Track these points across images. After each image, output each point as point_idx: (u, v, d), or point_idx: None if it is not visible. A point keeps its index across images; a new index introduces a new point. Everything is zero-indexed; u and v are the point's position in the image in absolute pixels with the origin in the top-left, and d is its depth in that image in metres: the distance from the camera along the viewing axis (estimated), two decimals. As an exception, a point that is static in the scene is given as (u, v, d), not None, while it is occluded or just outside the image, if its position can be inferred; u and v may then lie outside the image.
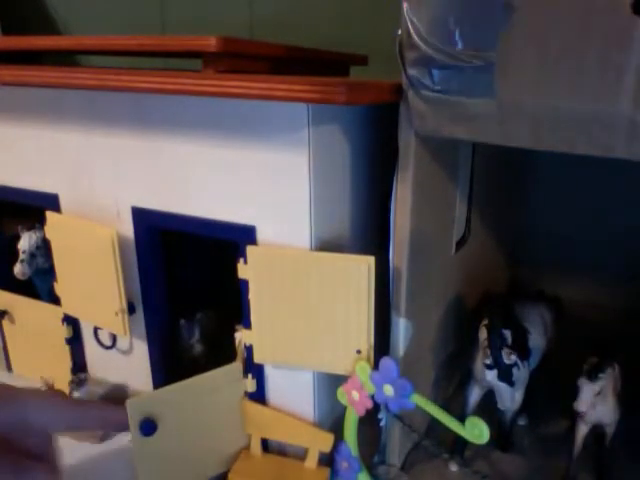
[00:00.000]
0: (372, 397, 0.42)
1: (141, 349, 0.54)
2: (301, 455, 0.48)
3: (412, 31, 0.35)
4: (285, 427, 0.47)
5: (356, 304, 0.41)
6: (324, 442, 0.46)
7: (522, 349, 0.47)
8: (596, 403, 0.43)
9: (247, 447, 0.48)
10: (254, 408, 0.48)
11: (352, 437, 0.45)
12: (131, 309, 0.51)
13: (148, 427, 0.42)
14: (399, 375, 0.39)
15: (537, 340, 0.51)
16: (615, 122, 0.31)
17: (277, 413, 0.48)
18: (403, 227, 0.43)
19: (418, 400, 0.39)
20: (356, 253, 0.41)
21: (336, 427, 0.48)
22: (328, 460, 0.47)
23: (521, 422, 0.55)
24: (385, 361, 0.40)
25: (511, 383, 0.46)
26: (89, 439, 0.49)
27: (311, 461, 0.47)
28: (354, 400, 0.43)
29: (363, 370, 0.42)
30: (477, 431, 0.37)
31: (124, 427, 0.39)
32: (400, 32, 0.37)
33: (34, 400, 0.33)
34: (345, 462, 0.46)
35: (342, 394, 0.44)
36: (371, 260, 0.40)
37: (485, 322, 0.47)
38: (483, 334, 0.46)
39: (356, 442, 0.45)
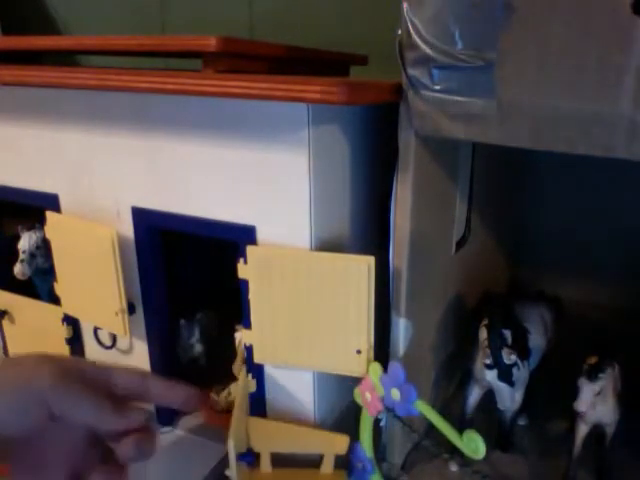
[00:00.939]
0: (382, 400, 0.42)
1: (141, 349, 0.54)
2: (310, 461, 0.47)
3: (412, 31, 0.35)
4: (296, 437, 0.47)
5: (356, 304, 0.41)
6: (340, 445, 0.46)
7: (522, 349, 0.47)
8: (596, 403, 0.43)
9: (257, 466, 0.47)
10: (260, 424, 0.47)
11: (367, 438, 0.45)
12: (131, 309, 0.51)
13: (250, 457, 0.44)
14: (406, 380, 0.39)
15: (537, 340, 0.51)
16: (615, 122, 0.31)
17: (285, 425, 0.47)
18: (403, 227, 0.43)
19: (422, 407, 0.39)
20: (356, 253, 0.41)
21: (336, 427, 0.48)
22: (343, 461, 0.47)
23: (521, 422, 0.55)
24: (393, 365, 0.40)
25: (511, 383, 0.46)
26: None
27: (327, 466, 0.46)
28: (367, 401, 0.43)
29: (375, 372, 0.42)
30: (473, 446, 0.36)
31: (185, 407, 0.40)
32: (400, 32, 0.37)
33: (112, 367, 0.37)
34: (360, 463, 0.45)
35: (358, 394, 0.44)
36: (371, 260, 0.40)
37: (485, 322, 0.47)
38: (483, 334, 0.46)
39: (371, 443, 0.45)
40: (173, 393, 0.40)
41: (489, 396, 0.50)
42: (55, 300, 0.56)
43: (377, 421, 0.45)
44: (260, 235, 0.44)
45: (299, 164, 0.41)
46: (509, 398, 0.48)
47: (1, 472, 0.36)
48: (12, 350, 0.63)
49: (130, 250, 0.50)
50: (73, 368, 0.35)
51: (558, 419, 0.55)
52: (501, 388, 0.47)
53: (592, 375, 0.42)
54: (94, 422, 0.34)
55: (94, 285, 0.51)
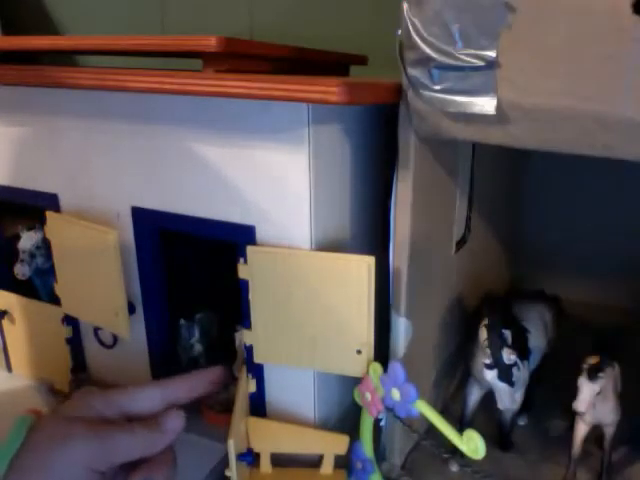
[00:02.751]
0: (382, 400, 0.42)
1: (141, 349, 0.54)
2: (310, 461, 0.47)
3: (412, 31, 0.35)
4: (295, 437, 0.47)
5: (356, 304, 0.41)
6: (340, 445, 0.46)
7: (522, 349, 0.47)
8: (596, 403, 0.43)
9: (257, 466, 0.47)
10: (260, 424, 0.47)
11: (367, 438, 0.45)
12: (131, 309, 0.51)
13: (250, 457, 0.44)
14: (406, 380, 0.39)
15: (537, 340, 0.51)
16: (615, 122, 0.31)
17: (285, 425, 0.47)
18: (403, 227, 0.43)
19: (422, 407, 0.39)
20: (356, 253, 0.41)
21: (336, 427, 0.48)
22: (343, 461, 0.47)
23: (521, 422, 0.55)
24: (393, 365, 0.40)
25: (511, 383, 0.46)
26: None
27: (327, 466, 0.46)
28: (367, 401, 0.43)
29: (375, 372, 0.42)
30: (473, 445, 0.36)
31: (215, 387, 0.43)
32: (400, 32, 0.37)
33: (127, 392, 0.39)
34: (360, 463, 0.45)
35: (358, 394, 0.44)
36: (371, 260, 0.40)
37: (485, 322, 0.47)
38: (483, 334, 0.46)
39: (371, 443, 0.45)
40: (193, 386, 0.42)
41: (489, 396, 0.50)
42: (55, 300, 0.56)
43: (377, 421, 0.45)
44: (260, 235, 0.44)
45: (299, 164, 0.41)
46: (509, 398, 0.48)
47: None
48: (12, 350, 0.63)
49: (130, 250, 0.50)
50: (93, 418, 0.36)
51: (558, 419, 0.55)
52: (501, 388, 0.47)
53: (592, 375, 0.42)
54: (143, 454, 0.36)
55: (94, 285, 0.51)
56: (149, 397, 0.39)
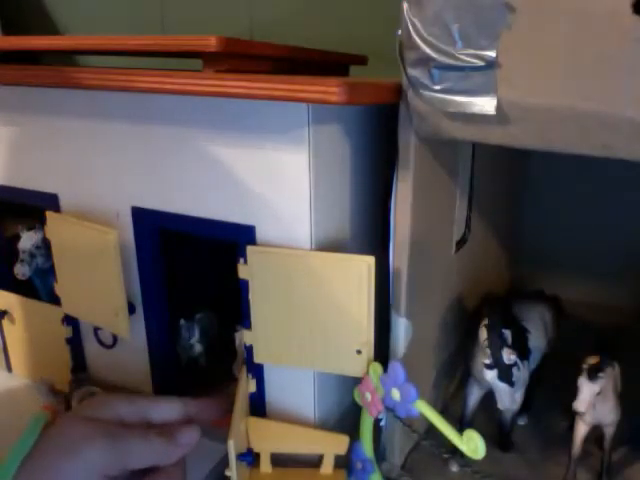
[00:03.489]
0: (383, 400, 0.42)
1: (141, 349, 0.54)
2: (310, 461, 0.47)
3: (412, 31, 0.35)
4: (295, 437, 0.47)
5: (356, 304, 0.41)
6: (340, 445, 0.45)
7: (522, 349, 0.47)
8: (596, 403, 0.43)
9: (257, 466, 0.47)
10: (260, 424, 0.47)
11: (367, 438, 0.45)
12: (131, 309, 0.51)
13: (250, 457, 0.44)
14: (406, 380, 0.39)
15: (537, 340, 0.51)
16: (615, 122, 0.31)
17: (285, 425, 0.47)
18: (403, 227, 0.43)
19: (422, 407, 0.39)
20: (356, 253, 0.41)
21: (337, 427, 0.48)
22: (342, 461, 0.47)
23: (521, 422, 0.55)
24: (393, 365, 0.40)
25: (511, 383, 0.46)
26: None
27: (327, 466, 0.46)
28: (367, 401, 0.43)
29: (375, 372, 0.41)
30: (473, 445, 0.36)
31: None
32: (400, 32, 0.37)
33: (150, 399, 0.40)
34: (360, 463, 0.45)
35: (358, 394, 0.44)
36: (371, 260, 0.40)
37: (485, 322, 0.47)
38: (483, 334, 0.46)
39: (371, 443, 0.45)
40: (211, 408, 0.43)
41: (489, 396, 0.50)
42: (55, 300, 0.56)
43: (377, 421, 0.45)
44: (260, 235, 0.44)
45: (299, 164, 0.41)
46: (509, 398, 0.48)
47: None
48: (12, 350, 0.63)
49: (130, 250, 0.50)
50: (111, 420, 0.36)
51: (558, 419, 0.55)
52: (501, 388, 0.47)
53: (592, 375, 0.42)
54: (156, 463, 0.36)
55: (94, 285, 0.51)
56: (170, 409, 0.39)
